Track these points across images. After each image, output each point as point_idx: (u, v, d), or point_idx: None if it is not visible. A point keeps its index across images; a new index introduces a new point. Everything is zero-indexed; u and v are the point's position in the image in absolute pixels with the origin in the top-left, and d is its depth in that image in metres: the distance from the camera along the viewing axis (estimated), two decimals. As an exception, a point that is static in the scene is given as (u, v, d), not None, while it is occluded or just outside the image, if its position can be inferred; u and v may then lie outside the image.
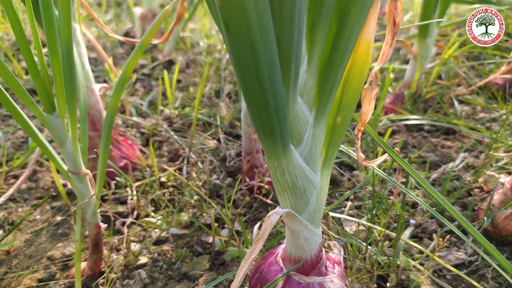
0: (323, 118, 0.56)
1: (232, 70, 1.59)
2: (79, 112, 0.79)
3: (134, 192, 1.05)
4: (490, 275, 0.81)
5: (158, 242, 0.94)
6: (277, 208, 0.57)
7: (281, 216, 0.57)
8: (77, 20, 1.01)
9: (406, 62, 1.81)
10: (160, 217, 0.95)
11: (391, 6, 0.55)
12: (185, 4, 0.82)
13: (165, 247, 0.91)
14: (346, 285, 0.65)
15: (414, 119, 1.32)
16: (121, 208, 1.04)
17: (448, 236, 0.72)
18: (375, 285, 0.72)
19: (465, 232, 0.92)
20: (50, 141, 1.26)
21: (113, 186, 1.11)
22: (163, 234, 0.95)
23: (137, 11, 2.12)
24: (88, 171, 0.71)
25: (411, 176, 0.64)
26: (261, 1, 0.39)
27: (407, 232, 0.87)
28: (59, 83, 0.63)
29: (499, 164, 1.08)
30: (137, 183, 1.09)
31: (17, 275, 0.84)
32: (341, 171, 1.14)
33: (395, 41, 0.57)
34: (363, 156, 0.63)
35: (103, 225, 0.81)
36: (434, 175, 1.10)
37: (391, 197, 1.00)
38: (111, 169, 1.08)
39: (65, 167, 0.71)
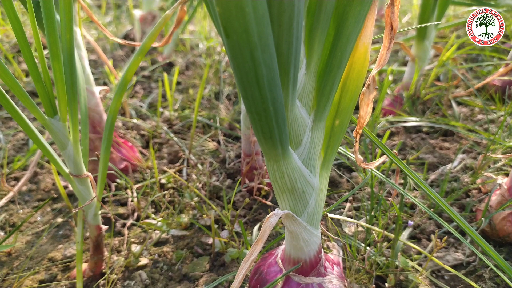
0: (322, 121, 0.57)
1: (232, 72, 1.60)
2: (80, 115, 0.80)
3: (135, 194, 1.06)
4: (487, 276, 0.82)
5: (159, 243, 0.95)
6: (276, 209, 0.58)
7: (280, 217, 0.58)
8: (77, 23, 1.02)
9: (405, 64, 1.82)
10: (160, 218, 0.96)
11: (388, 11, 0.56)
12: (185, 8, 0.83)
13: (166, 248, 0.92)
14: (345, 285, 0.66)
15: (412, 121, 1.33)
16: (121, 210, 1.05)
17: (446, 237, 0.73)
18: (374, 285, 0.73)
19: (463, 233, 0.93)
20: (51, 143, 1.26)
21: (113, 188, 1.11)
22: (164, 235, 0.96)
23: (137, 13, 2.13)
24: (89, 174, 0.72)
25: (409, 177, 0.65)
26: (260, 7, 0.39)
27: (406, 233, 0.88)
28: (60, 87, 0.64)
29: (497, 165, 1.09)
30: (138, 185, 1.10)
31: (18, 276, 0.85)
32: (340, 172, 1.15)
33: (393, 45, 0.58)
34: (361, 158, 0.64)
35: (104, 227, 0.81)
36: (433, 176, 1.11)
37: (389, 199, 1.01)
38: (112, 171, 1.09)
39: (66, 170, 0.72)
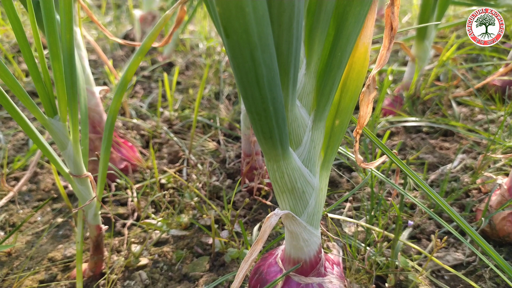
0: (322, 121, 0.57)
1: (232, 72, 1.60)
2: (80, 115, 0.80)
3: (135, 194, 1.06)
4: (487, 276, 0.82)
5: (159, 243, 0.95)
6: (276, 209, 0.58)
7: (280, 217, 0.58)
8: (77, 23, 1.02)
9: (405, 64, 1.82)
10: (160, 218, 0.96)
11: (388, 11, 0.56)
12: (185, 8, 0.83)
13: (166, 248, 0.92)
14: (345, 285, 0.66)
15: (412, 121, 1.33)
16: (121, 210, 1.05)
17: (446, 237, 0.73)
18: (374, 285, 0.73)
19: (463, 233, 0.93)
20: (51, 143, 1.26)
21: (113, 188, 1.11)
22: (164, 235, 0.96)
23: (137, 13, 2.13)
24: (89, 174, 0.72)
25: (409, 177, 0.65)
26: (260, 7, 0.39)
27: (406, 233, 0.88)
28: (60, 87, 0.64)
29: (497, 165, 1.09)
30: (137, 185, 1.10)
31: (18, 276, 0.85)
32: (340, 172, 1.15)
33: (393, 45, 0.58)
34: (361, 158, 0.64)
35: (104, 227, 0.81)
36: (433, 176, 1.11)
37: (389, 199, 1.01)
38: (112, 171, 1.09)
39: (66, 170, 0.72)
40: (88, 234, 0.94)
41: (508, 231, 0.87)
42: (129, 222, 0.99)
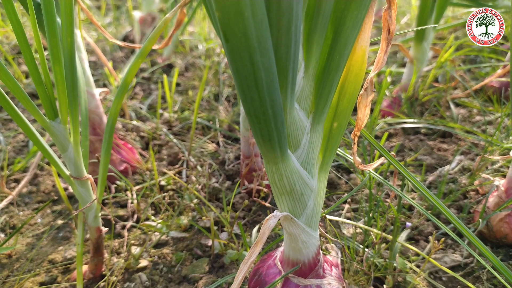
0: (320, 124, 0.58)
1: (231, 73, 1.60)
2: (80, 117, 0.80)
3: (134, 196, 1.07)
4: (485, 277, 0.83)
5: (158, 245, 0.95)
6: (275, 211, 0.58)
7: (279, 219, 0.58)
8: (77, 25, 1.03)
9: (403, 65, 1.83)
10: (160, 220, 0.96)
11: (386, 15, 0.56)
12: (184, 11, 0.84)
13: (165, 250, 0.92)
14: (343, 287, 0.66)
15: (411, 122, 1.34)
16: (121, 212, 1.05)
17: (443, 239, 0.74)
18: (372, 287, 0.74)
19: (460, 234, 0.93)
20: (51, 145, 1.27)
21: (113, 190, 1.12)
22: (163, 237, 0.96)
23: (136, 14, 2.14)
24: (90, 176, 0.72)
25: (407, 179, 0.66)
26: (259, 12, 0.40)
27: (404, 235, 0.88)
28: (61, 90, 0.64)
29: (495, 167, 1.10)
30: (137, 187, 1.11)
31: (18, 278, 0.85)
32: (338, 174, 1.16)
33: (391, 47, 0.59)
34: (359, 160, 0.65)
35: (104, 229, 0.82)
36: (431, 177, 1.12)
37: (387, 200, 1.01)
38: (112, 173, 1.10)
39: (67, 172, 0.72)
40: (88, 236, 0.95)
41: (505, 233, 0.88)
42: (129, 224, 1.00)
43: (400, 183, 1.11)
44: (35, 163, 1.07)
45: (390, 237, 0.81)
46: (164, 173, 1.17)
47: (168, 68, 1.92)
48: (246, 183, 1.08)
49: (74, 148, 0.69)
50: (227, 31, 0.41)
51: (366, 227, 0.84)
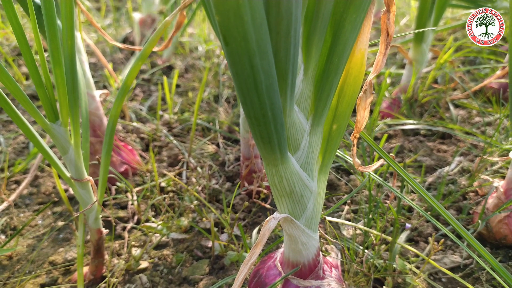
0: (319, 126, 0.58)
1: (231, 76, 1.60)
2: (81, 119, 0.81)
3: (135, 197, 1.07)
4: (484, 278, 0.83)
5: (159, 246, 0.95)
6: (275, 213, 0.59)
7: (279, 221, 0.58)
8: (77, 27, 1.03)
9: (403, 66, 1.83)
10: (160, 222, 0.96)
11: (384, 18, 0.57)
12: (184, 13, 0.84)
13: (166, 251, 0.92)
14: (343, 288, 0.67)
15: (410, 124, 1.34)
16: (121, 213, 1.06)
17: (443, 240, 0.74)
18: (372, 288, 0.74)
19: (460, 236, 0.93)
20: (51, 147, 1.27)
21: (113, 191, 1.12)
22: (164, 238, 0.96)
23: (136, 16, 2.14)
24: (90, 178, 0.73)
25: (406, 181, 0.66)
26: (258, 16, 0.40)
27: (403, 236, 0.88)
28: (62, 93, 0.64)
29: (494, 168, 1.10)
30: (138, 188, 1.11)
31: (19, 280, 0.85)
32: (338, 175, 1.16)
33: (390, 48, 0.59)
34: (359, 162, 0.65)
35: (105, 230, 0.82)
36: (430, 179, 1.12)
37: (387, 201, 1.01)
38: (112, 175, 1.10)
39: (68, 174, 0.73)
40: (88, 237, 0.95)
41: (505, 234, 0.88)
42: (129, 225, 1.00)
43: (399, 184, 1.11)
44: (35, 165, 1.07)
45: (389, 238, 0.81)
46: (164, 175, 1.17)
47: (168, 70, 1.92)
48: (246, 184, 1.09)
49: (75, 150, 0.70)
50: (227, 34, 0.41)
51: (365, 228, 0.84)
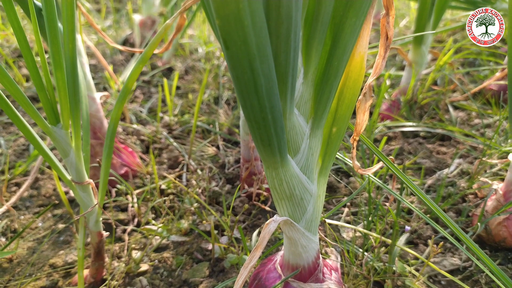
0: (319, 129, 0.58)
1: (231, 79, 1.61)
2: (82, 122, 0.81)
3: (135, 200, 1.07)
4: (483, 281, 0.83)
5: (159, 249, 0.95)
6: (275, 216, 0.59)
7: (279, 224, 0.59)
8: (78, 30, 1.03)
9: (402, 68, 1.83)
10: (160, 224, 0.96)
11: (383, 21, 0.57)
12: (184, 16, 0.84)
13: (166, 254, 0.92)
14: (343, 290, 0.67)
15: (409, 126, 1.34)
16: (122, 216, 1.06)
17: (442, 243, 0.74)
18: (372, 290, 0.74)
19: (459, 238, 0.93)
20: (51, 149, 1.27)
21: (114, 194, 1.12)
22: (164, 241, 0.97)
23: (136, 17, 2.14)
24: (91, 181, 0.73)
25: (405, 184, 0.66)
26: (259, 20, 0.40)
27: (403, 238, 0.89)
28: (63, 96, 0.65)
29: (493, 170, 1.10)
30: (138, 191, 1.11)
31: (20, 282, 0.85)
32: (338, 178, 1.16)
33: (390, 50, 0.59)
34: (358, 164, 0.65)
35: (105, 233, 0.82)
36: (429, 181, 1.12)
37: (387, 204, 1.02)
38: (112, 177, 1.10)
39: (68, 176, 0.73)
40: (89, 240, 0.95)
41: (504, 236, 0.88)
42: (129, 228, 1.00)
43: (399, 186, 1.11)
44: (36, 167, 1.07)
45: (389, 241, 0.81)
46: (165, 177, 1.17)
47: (168, 71, 1.93)
48: (246, 186, 1.09)
49: (75, 153, 0.70)
50: (227, 38, 0.41)
51: (365, 231, 0.84)
